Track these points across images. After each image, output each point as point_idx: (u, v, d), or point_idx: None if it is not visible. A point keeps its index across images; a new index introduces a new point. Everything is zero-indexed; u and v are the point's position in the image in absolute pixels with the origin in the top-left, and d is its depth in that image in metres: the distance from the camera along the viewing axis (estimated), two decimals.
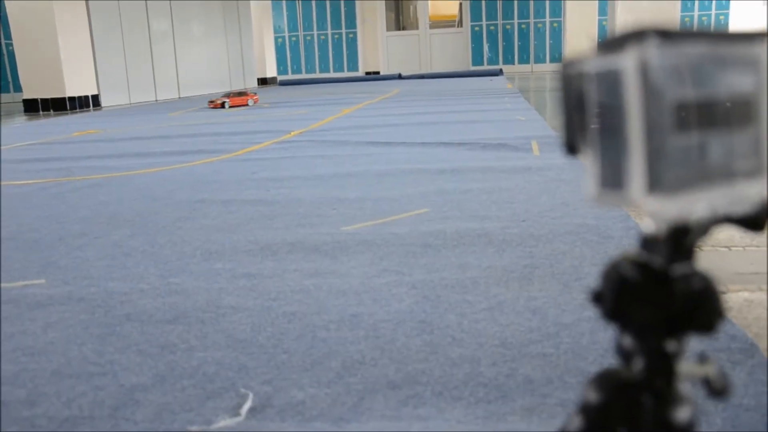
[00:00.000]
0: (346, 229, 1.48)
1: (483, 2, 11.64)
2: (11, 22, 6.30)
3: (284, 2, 12.08)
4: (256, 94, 5.96)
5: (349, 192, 1.89)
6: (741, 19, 10.76)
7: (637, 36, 0.24)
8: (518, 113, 3.96)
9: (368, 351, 0.86)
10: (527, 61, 11.69)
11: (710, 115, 0.25)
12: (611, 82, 0.25)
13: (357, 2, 11.98)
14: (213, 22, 9.20)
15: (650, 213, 0.24)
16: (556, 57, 11.54)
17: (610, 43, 0.25)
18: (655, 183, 0.23)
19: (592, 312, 0.95)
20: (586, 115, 0.25)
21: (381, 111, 4.57)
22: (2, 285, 1.19)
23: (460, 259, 1.23)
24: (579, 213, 1.53)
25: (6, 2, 6.28)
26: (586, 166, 0.26)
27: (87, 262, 1.32)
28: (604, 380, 0.29)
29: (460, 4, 12.26)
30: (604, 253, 1.23)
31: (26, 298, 1.12)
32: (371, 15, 12.12)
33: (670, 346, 0.27)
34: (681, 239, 0.26)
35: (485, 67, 11.51)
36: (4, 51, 8.84)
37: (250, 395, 0.76)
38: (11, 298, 1.12)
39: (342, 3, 12.00)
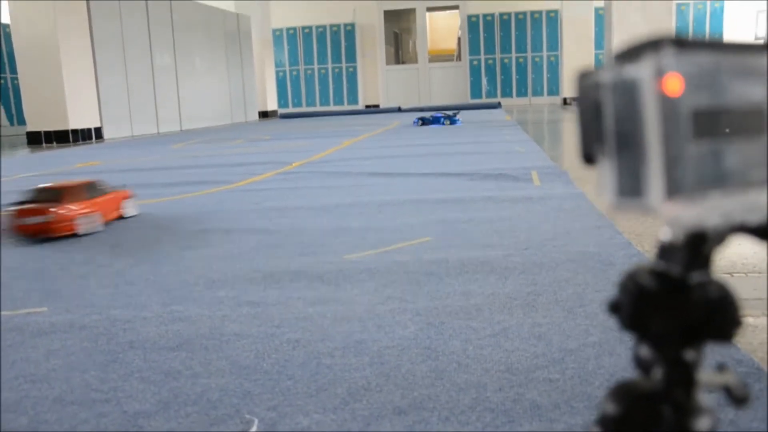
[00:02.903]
0: (349, 258, 1.48)
1: (481, 36, 11.80)
2: (17, 56, 6.37)
3: (285, 37, 12.24)
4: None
5: (351, 221, 1.89)
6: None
7: (653, 45, 0.24)
8: (517, 144, 3.99)
9: (373, 377, 0.85)
10: (525, 94, 11.80)
11: (725, 123, 0.25)
12: (628, 91, 0.25)
13: (357, 37, 12.14)
14: (215, 57, 9.31)
15: (668, 219, 0.24)
16: (554, 90, 11.65)
17: (626, 54, 0.26)
18: (674, 189, 0.24)
19: (596, 338, 0.95)
20: (603, 125, 0.26)
21: (381, 143, 4.60)
22: (4, 313, 1.19)
23: (463, 286, 1.23)
24: (580, 241, 1.54)
25: (13, 37, 6.36)
26: (603, 175, 0.26)
27: (89, 290, 1.32)
28: (623, 392, 0.29)
29: (459, 38, 12.43)
30: (606, 280, 1.23)
31: (28, 325, 1.12)
32: (371, 49, 12.27)
33: (689, 355, 0.27)
34: (698, 247, 0.26)
35: (484, 100, 11.62)
36: (9, 85, 8.92)
37: (256, 421, 0.75)
38: (13, 326, 1.12)
39: (342, 37, 12.17)
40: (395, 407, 0.77)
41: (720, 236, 0.27)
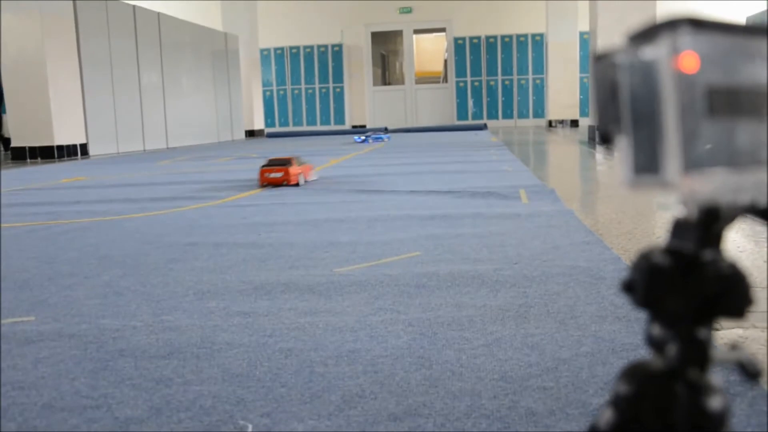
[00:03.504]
0: (339, 271, 1.48)
1: (467, 59, 11.92)
2: (3, 72, 6.34)
3: (273, 56, 12.30)
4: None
5: (340, 236, 1.89)
6: None
7: (669, 25, 0.25)
8: (505, 164, 4.02)
9: (368, 385, 0.85)
10: (511, 116, 11.91)
11: (740, 103, 0.26)
12: (645, 70, 0.26)
13: (344, 58, 12.22)
14: (203, 75, 9.32)
15: (684, 194, 0.25)
16: (539, 112, 11.77)
17: (642, 35, 0.26)
18: (690, 164, 0.24)
19: (589, 348, 0.95)
20: (620, 105, 0.27)
21: (369, 161, 4.62)
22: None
23: (454, 299, 1.24)
24: (570, 256, 1.55)
25: (0, 52, 6.34)
26: (620, 154, 0.27)
27: (77, 300, 1.31)
28: (635, 372, 0.29)
29: (445, 60, 12.55)
30: (597, 293, 1.24)
31: (15, 334, 1.10)
32: (358, 70, 12.35)
33: (702, 333, 0.28)
34: (710, 225, 0.27)
35: (470, 121, 11.72)
36: None
37: (250, 426, 0.74)
38: (1, 335, 1.10)
39: (330, 58, 12.24)
40: (390, 414, 0.76)
41: (731, 215, 0.27)
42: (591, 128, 6.61)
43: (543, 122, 11.53)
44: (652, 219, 2.15)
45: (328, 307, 1.21)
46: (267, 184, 3.16)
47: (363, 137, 7.15)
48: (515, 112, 11.90)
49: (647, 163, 0.26)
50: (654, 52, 0.26)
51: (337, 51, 12.22)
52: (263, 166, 3.20)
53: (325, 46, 12.22)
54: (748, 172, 0.26)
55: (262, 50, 11.90)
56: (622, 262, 1.45)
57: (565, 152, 5.52)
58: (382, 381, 0.86)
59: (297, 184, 3.15)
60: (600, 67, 0.27)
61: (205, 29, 9.55)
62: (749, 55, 0.26)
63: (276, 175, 3.13)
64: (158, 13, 8.23)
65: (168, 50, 8.37)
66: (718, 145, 0.25)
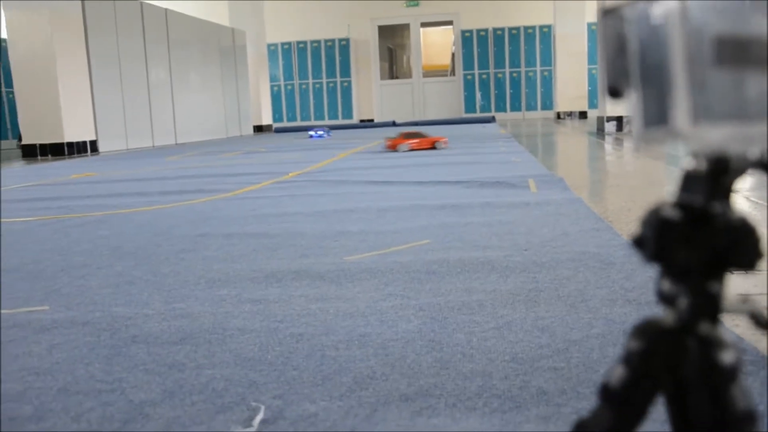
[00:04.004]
0: (349, 259, 1.48)
1: (475, 51, 11.88)
2: (13, 70, 6.38)
3: (280, 51, 12.30)
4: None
5: (350, 226, 1.90)
6: None
7: None
8: (513, 155, 4.01)
9: (379, 367, 0.85)
10: (519, 109, 11.87)
11: (749, 54, 0.26)
12: (652, 23, 0.26)
13: (352, 52, 12.21)
14: (210, 71, 9.34)
15: (693, 143, 0.25)
16: (547, 104, 11.73)
17: None
18: (699, 112, 0.24)
19: (599, 330, 0.95)
20: (628, 59, 0.27)
21: (377, 154, 4.62)
22: (5, 311, 1.18)
23: (464, 284, 1.24)
24: (580, 242, 1.54)
25: (10, 52, 6.37)
26: (629, 109, 0.27)
27: (90, 290, 1.32)
28: (646, 328, 0.29)
29: (453, 53, 12.51)
30: (607, 277, 1.24)
31: (30, 323, 1.11)
32: (366, 64, 12.34)
33: (713, 286, 0.28)
34: (720, 176, 0.27)
35: (478, 114, 11.69)
36: (4, 99, 8.92)
37: (262, 408, 0.75)
38: (16, 323, 1.11)
39: (337, 52, 12.23)
40: (402, 394, 0.77)
41: (740, 167, 0.27)
42: (600, 119, 6.58)
43: (551, 114, 11.48)
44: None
45: (338, 293, 1.21)
46: (409, 149, 4.58)
47: (319, 132, 7.55)
48: (523, 105, 11.86)
49: (657, 115, 0.26)
50: (662, 4, 0.26)
51: (344, 45, 12.21)
52: (396, 136, 4.70)
53: (332, 41, 12.21)
54: (758, 123, 0.26)
55: (269, 45, 11.91)
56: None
57: (573, 143, 5.50)
58: (393, 363, 0.86)
59: (434, 148, 4.63)
60: (608, 22, 0.27)
61: (213, 25, 9.56)
62: (758, 6, 0.26)
63: (415, 141, 4.61)
64: (166, 10, 8.25)
65: (176, 46, 8.39)
66: (727, 96, 0.25)
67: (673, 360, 0.29)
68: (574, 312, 1.04)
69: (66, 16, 6.44)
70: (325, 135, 7.47)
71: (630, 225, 1.75)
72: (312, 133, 7.54)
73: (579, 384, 0.77)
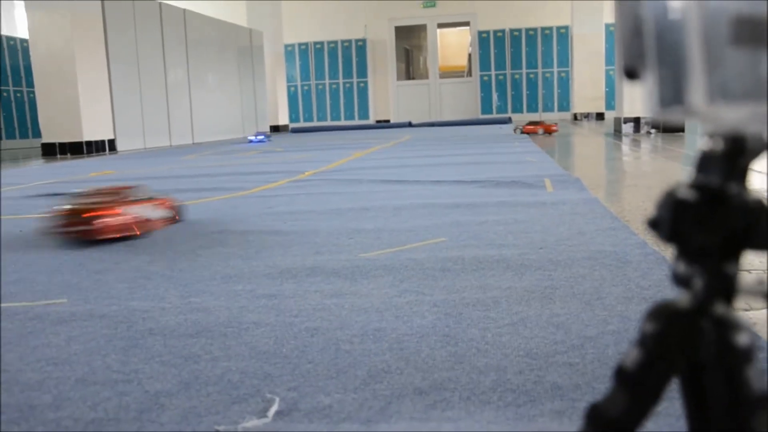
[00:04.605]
0: (364, 256, 1.48)
1: (492, 52, 11.85)
2: (34, 70, 6.46)
3: (297, 52, 12.35)
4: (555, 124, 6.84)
5: (365, 224, 1.90)
6: None
7: None
8: (529, 156, 4.00)
9: (393, 361, 0.85)
10: (536, 110, 11.83)
11: (764, 33, 0.26)
12: (669, 4, 0.26)
13: (368, 52, 12.23)
14: (228, 71, 9.40)
15: (709, 123, 0.25)
16: (564, 106, 11.68)
17: None
18: (715, 92, 0.24)
19: (615, 327, 0.95)
20: (644, 40, 0.27)
21: (393, 154, 4.62)
22: (24, 304, 1.20)
23: (479, 281, 1.24)
24: (596, 241, 1.54)
25: (31, 51, 6.45)
26: (645, 88, 0.27)
27: (107, 284, 1.33)
28: (661, 311, 0.29)
29: (469, 54, 12.49)
30: (623, 275, 1.23)
31: (49, 315, 1.13)
32: (382, 65, 12.35)
33: (729, 267, 0.28)
34: (736, 157, 0.27)
35: (494, 115, 11.65)
36: (26, 99, 9.03)
37: (277, 399, 0.75)
38: (34, 315, 1.13)
39: (354, 53, 12.26)
40: (416, 388, 0.77)
41: (757, 148, 0.27)
42: (617, 120, 6.53)
43: (568, 115, 11.43)
44: None
45: (353, 289, 1.21)
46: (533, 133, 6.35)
47: (260, 137, 7.26)
48: (540, 106, 11.81)
49: (673, 95, 0.26)
50: None
51: (361, 46, 12.23)
52: (527, 124, 6.55)
53: (349, 41, 12.24)
54: None
55: (286, 46, 11.96)
56: (649, 247, 1.44)
57: (590, 144, 5.47)
58: (407, 357, 0.87)
59: (551, 133, 6.30)
60: (624, 3, 0.27)
61: (230, 25, 9.62)
62: None
63: (542, 126, 6.40)
64: (184, 10, 8.31)
65: (193, 47, 8.45)
66: (744, 76, 0.25)
67: (689, 341, 0.28)
68: (590, 309, 1.04)
69: (86, 16, 6.51)
70: (265, 140, 7.15)
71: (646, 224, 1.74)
72: (252, 137, 7.24)
73: (594, 380, 0.77)
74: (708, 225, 0.27)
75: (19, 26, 10.48)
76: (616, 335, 0.91)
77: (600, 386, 0.75)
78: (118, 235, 1.74)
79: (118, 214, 1.76)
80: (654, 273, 1.23)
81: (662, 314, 0.30)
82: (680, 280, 0.29)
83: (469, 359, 0.85)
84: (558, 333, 0.93)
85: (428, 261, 1.40)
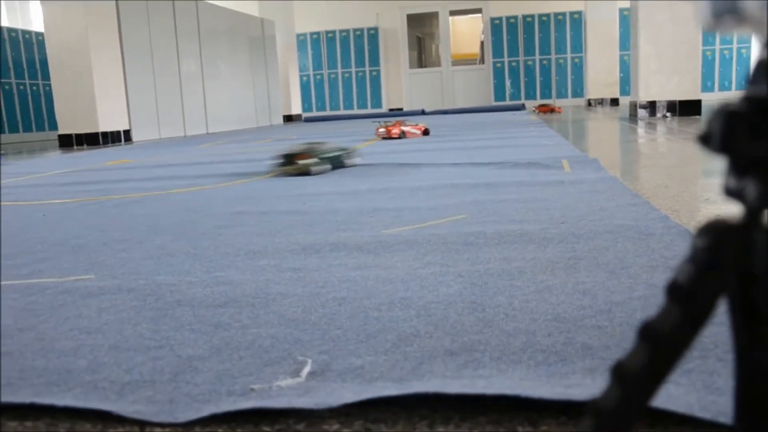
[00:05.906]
0: (386, 232, 1.49)
1: (504, 39, 11.78)
2: (50, 62, 6.50)
3: (309, 41, 12.34)
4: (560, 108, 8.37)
5: (385, 203, 1.91)
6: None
7: None
8: (544, 140, 3.98)
9: (422, 326, 0.86)
10: (549, 96, 11.75)
11: None
12: None
13: (380, 41, 12.20)
14: (240, 61, 9.41)
15: (764, 31, 0.25)
16: (578, 92, 11.59)
17: None
18: None
19: (641, 293, 0.95)
20: None
21: (408, 140, 4.62)
22: (52, 280, 1.22)
23: (502, 253, 1.24)
24: (618, 216, 1.53)
25: (47, 44, 6.50)
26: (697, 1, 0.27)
27: (133, 260, 1.35)
28: (712, 225, 0.30)
29: (482, 42, 12.43)
30: (646, 247, 1.23)
31: (78, 289, 1.14)
32: (394, 53, 12.32)
33: None
34: None
35: (507, 102, 11.60)
36: (41, 92, 9.10)
37: (309, 361, 0.76)
38: (63, 290, 1.14)
39: (366, 42, 12.23)
40: (446, 350, 0.78)
41: None
42: (632, 104, 6.49)
43: (582, 102, 11.35)
44: (701, 183, 2.12)
45: (377, 262, 1.22)
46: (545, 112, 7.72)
47: None
48: (554, 92, 11.74)
49: (726, 4, 0.26)
50: None
51: (373, 34, 12.20)
52: (538, 106, 8.03)
53: (361, 30, 12.21)
54: None
55: (298, 35, 11.95)
56: (671, 221, 1.44)
57: (606, 128, 5.44)
58: (435, 323, 0.87)
59: (554, 111, 7.76)
60: None
61: (243, 15, 9.62)
62: None
63: (551, 107, 7.92)
64: (197, 2, 8.32)
65: (206, 37, 8.47)
66: None
67: (741, 253, 0.29)
68: (615, 278, 1.04)
69: (100, 9, 6.54)
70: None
71: (667, 200, 1.74)
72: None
73: (623, 341, 0.77)
74: (761, 135, 0.27)
75: (34, 20, 10.54)
76: (643, 300, 0.91)
77: (629, 346, 0.75)
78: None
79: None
80: (678, 244, 1.23)
81: (713, 228, 0.30)
82: (732, 193, 0.29)
83: (497, 323, 0.85)
84: (585, 299, 0.94)
85: (450, 236, 1.41)
